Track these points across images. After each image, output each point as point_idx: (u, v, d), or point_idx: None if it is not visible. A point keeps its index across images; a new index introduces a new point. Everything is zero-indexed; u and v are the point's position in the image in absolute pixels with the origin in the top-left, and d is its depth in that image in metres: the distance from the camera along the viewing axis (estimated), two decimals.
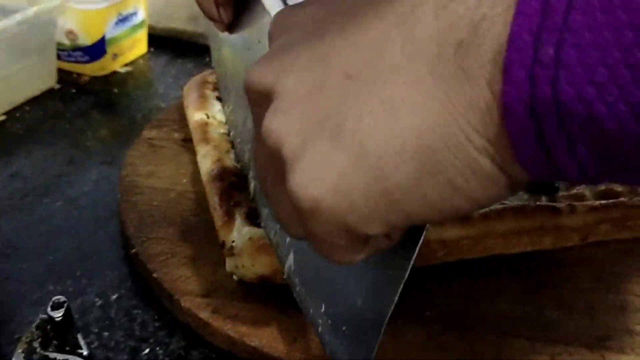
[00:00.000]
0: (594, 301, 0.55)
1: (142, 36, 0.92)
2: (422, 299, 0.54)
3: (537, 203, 0.59)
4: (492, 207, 0.57)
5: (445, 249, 0.57)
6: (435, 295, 0.55)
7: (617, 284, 0.57)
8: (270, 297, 0.53)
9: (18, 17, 0.75)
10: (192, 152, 0.69)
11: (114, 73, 0.88)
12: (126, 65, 0.90)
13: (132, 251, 0.58)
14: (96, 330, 0.52)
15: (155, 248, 0.57)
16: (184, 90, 0.75)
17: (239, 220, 0.55)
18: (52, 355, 0.45)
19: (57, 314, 0.46)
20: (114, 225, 0.63)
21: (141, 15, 0.90)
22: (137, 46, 0.91)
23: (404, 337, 0.51)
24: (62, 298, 0.47)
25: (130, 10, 0.87)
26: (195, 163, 0.67)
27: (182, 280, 0.54)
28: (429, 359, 0.49)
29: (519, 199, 0.60)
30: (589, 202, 0.60)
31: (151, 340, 0.52)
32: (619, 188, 0.62)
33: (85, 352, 0.46)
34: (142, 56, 0.93)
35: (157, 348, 0.52)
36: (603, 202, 0.60)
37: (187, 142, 0.71)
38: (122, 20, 0.86)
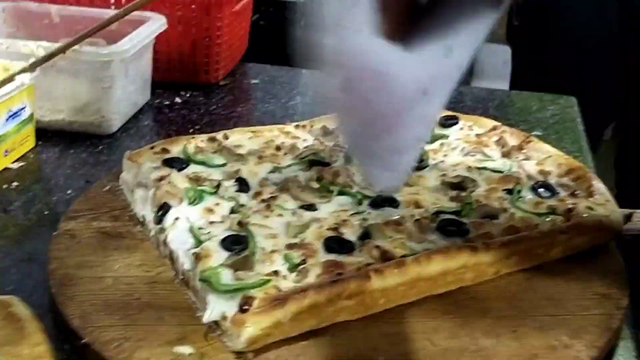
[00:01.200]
0: (515, 326, 0.62)
1: (30, 131, 0.91)
2: (369, 346, 0.58)
3: (459, 244, 0.66)
4: (421, 252, 0.63)
5: (385, 297, 0.61)
6: (382, 342, 0.59)
7: (531, 309, 0.65)
8: None
9: None
10: (116, 239, 0.70)
11: (6, 169, 0.87)
12: (17, 160, 0.89)
13: (81, 342, 0.57)
14: None
15: (107, 335, 0.58)
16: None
17: None
18: None
19: None
20: (49, 320, 0.62)
21: (29, 110, 0.89)
22: (27, 141, 0.90)
23: None
24: None
25: (19, 105, 0.87)
26: (122, 248, 0.68)
27: None
28: None
29: (435, 244, 0.66)
30: (499, 239, 0.68)
31: None
32: (519, 224, 0.70)
33: None
34: (31, 150, 0.92)
35: None
36: (511, 237, 0.68)
37: (106, 230, 0.72)
38: (12, 116, 0.86)
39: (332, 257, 0.63)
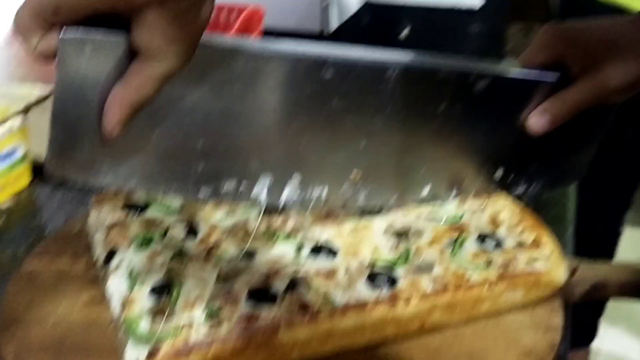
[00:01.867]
0: None
1: (24, 170, 0.98)
2: None
3: (377, 296, 0.67)
4: (334, 303, 0.66)
5: (297, 350, 0.64)
6: None
7: None
8: None
9: None
10: (70, 280, 0.75)
11: None
12: (8, 199, 0.95)
13: None
14: None
15: None
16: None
17: None
18: None
19: None
20: None
21: (20, 152, 0.96)
22: (19, 180, 0.97)
23: None
24: None
25: (9, 148, 0.94)
26: (73, 290, 0.73)
27: None
28: None
29: (360, 295, 0.68)
30: (420, 293, 0.69)
31: None
32: (448, 277, 0.71)
33: None
34: (25, 188, 0.98)
35: None
36: (431, 290, 0.69)
37: (64, 270, 0.77)
38: (2, 158, 0.92)
39: (251, 309, 0.66)
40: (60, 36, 0.51)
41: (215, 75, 0.60)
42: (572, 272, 0.76)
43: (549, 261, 0.75)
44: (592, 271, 0.77)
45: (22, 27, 0.51)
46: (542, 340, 0.69)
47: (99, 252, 0.77)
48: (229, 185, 0.63)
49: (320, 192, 0.68)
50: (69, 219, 0.90)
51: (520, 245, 0.77)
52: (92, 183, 0.60)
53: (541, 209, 0.95)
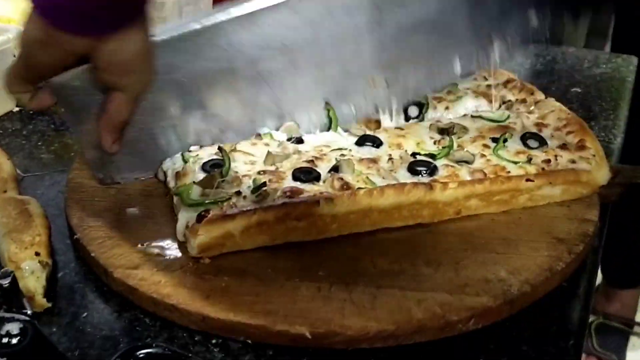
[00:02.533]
0: (460, 259, 0.67)
1: None
2: (315, 262, 0.65)
3: (415, 181, 0.71)
4: (375, 186, 0.69)
5: (336, 222, 0.68)
6: (327, 258, 0.66)
7: (482, 245, 0.69)
8: (189, 268, 0.64)
9: None
10: None
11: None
12: None
13: (75, 237, 0.68)
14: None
15: (94, 234, 0.68)
16: None
17: None
18: (0, 314, 0.55)
19: (5, 282, 0.56)
20: (62, 220, 0.73)
21: None
22: None
23: (299, 291, 0.62)
24: (8, 269, 0.57)
25: None
26: None
27: (115, 258, 0.65)
28: (316, 307, 0.60)
29: (399, 180, 0.71)
30: (458, 180, 0.72)
31: (89, 306, 0.62)
32: (488, 169, 0.73)
33: (29, 312, 0.57)
34: None
35: (94, 313, 0.62)
36: (470, 179, 0.72)
37: None
38: None
39: (297, 184, 0.70)
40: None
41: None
42: (614, 174, 0.78)
43: (590, 162, 0.76)
44: (633, 173, 0.78)
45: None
46: (575, 230, 0.71)
47: None
48: None
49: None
50: None
51: (564, 146, 0.79)
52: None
53: (591, 118, 0.97)
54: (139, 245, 0.66)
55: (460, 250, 0.68)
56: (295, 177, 0.70)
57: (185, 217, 0.66)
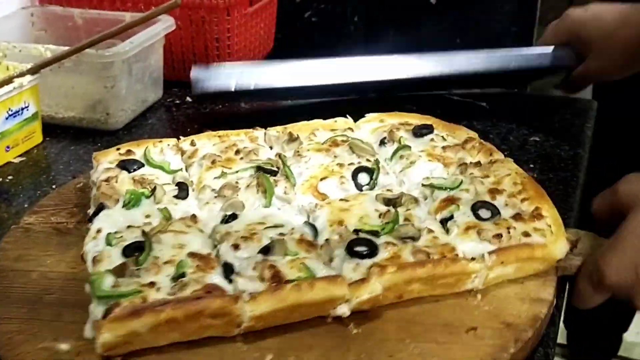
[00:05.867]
0: (395, 351, 0.61)
1: (36, 127, 0.99)
2: (238, 357, 0.60)
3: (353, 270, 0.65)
4: (311, 274, 0.64)
5: (262, 321, 0.62)
6: (248, 356, 0.61)
7: (422, 334, 0.63)
8: None
9: None
10: (63, 235, 0.76)
11: (8, 163, 0.95)
12: (21, 155, 0.97)
13: None
14: None
15: (5, 327, 0.63)
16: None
17: None
18: None
19: None
20: None
21: (33, 109, 0.97)
22: (32, 137, 0.99)
23: None
24: None
25: (20, 105, 0.95)
26: (63, 244, 0.74)
27: (22, 356, 0.60)
28: None
29: (336, 265, 0.66)
30: (397, 263, 0.66)
31: None
32: (432, 249, 0.68)
33: None
34: (37, 145, 1.00)
35: None
36: (409, 262, 0.66)
37: (60, 226, 0.78)
38: (13, 115, 0.94)
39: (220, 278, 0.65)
40: None
41: None
42: (573, 244, 0.72)
43: (545, 234, 0.71)
44: (594, 242, 0.73)
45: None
46: (526, 313, 0.66)
47: (90, 208, 0.77)
48: None
49: None
50: (77, 176, 0.91)
51: (519, 216, 0.73)
52: None
53: (550, 169, 0.92)
54: (50, 342, 0.62)
55: (397, 340, 0.63)
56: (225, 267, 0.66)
57: (96, 309, 0.61)
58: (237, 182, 0.78)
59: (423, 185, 0.79)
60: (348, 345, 0.62)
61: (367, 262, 0.67)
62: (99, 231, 0.71)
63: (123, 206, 0.75)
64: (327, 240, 0.70)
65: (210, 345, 0.62)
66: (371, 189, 0.79)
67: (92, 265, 0.67)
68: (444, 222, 0.73)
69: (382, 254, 0.68)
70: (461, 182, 0.78)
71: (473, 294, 0.68)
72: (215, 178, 0.80)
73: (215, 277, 0.64)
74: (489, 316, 0.66)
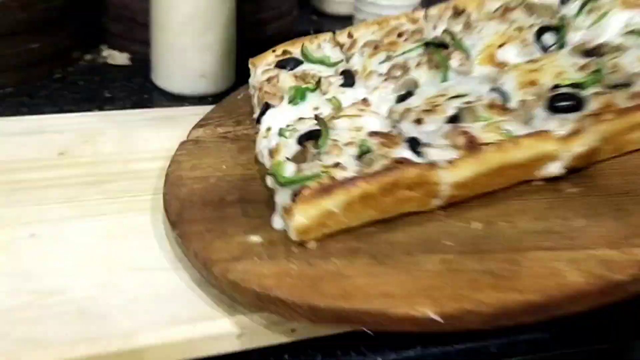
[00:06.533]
0: (620, 204, 0.53)
1: None
2: (442, 231, 0.55)
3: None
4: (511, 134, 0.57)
5: (462, 189, 0.56)
6: (455, 226, 0.55)
7: None
8: (294, 255, 0.55)
9: None
10: (233, 141, 0.74)
11: None
12: None
13: (175, 234, 0.62)
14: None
15: (195, 228, 0.61)
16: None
17: None
18: None
19: None
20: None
21: None
22: None
23: (421, 267, 0.51)
24: None
25: None
26: (234, 150, 0.72)
27: (215, 252, 0.58)
28: (441, 283, 0.49)
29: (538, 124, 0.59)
30: (614, 109, 0.58)
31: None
32: None
33: None
34: None
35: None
36: (628, 106, 0.57)
37: (228, 134, 0.75)
38: None
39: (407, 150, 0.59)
40: None
41: None
42: None
43: None
44: None
45: None
46: None
47: (255, 112, 0.74)
48: None
49: None
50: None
51: None
52: None
53: None
54: (241, 236, 0.59)
55: (621, 193, 0.55)
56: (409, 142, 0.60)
57: (281, 196, 0.58)
58: (405, 62, 0.72)
59: (625, 33, 0.68)
60: (566, 204, 0.55)
61: (575, 115, 0.59)
62: (268, 129, 0.68)
63: (289, 102, 0.71)
64: (521, 101, 0.62)
65: (410, 223, 0.57)
66: (559, 49, 0.70)
67: (269, 158, 0.63)
68: None
69: (592, 105, 0.59)
70: None
71: None
72: (380, 63, 0.74)
73: (403, 152, 0.59)
74: None
